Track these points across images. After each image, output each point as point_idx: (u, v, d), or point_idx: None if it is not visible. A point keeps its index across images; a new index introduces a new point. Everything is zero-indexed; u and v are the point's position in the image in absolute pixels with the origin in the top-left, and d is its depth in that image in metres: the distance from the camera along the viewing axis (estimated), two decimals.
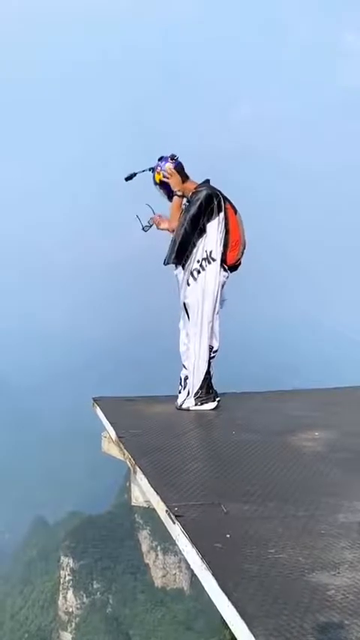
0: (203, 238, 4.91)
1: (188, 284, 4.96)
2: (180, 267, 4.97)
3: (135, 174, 5.15)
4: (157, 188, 5.16)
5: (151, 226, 5.27)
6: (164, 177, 5.07)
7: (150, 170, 5.14)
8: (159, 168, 5.09)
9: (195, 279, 4.94)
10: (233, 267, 5.13)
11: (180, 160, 5.13)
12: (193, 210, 4.90)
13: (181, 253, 4.92)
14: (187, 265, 4.94)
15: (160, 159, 5.12)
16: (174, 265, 5.00)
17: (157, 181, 5.09)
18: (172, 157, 5.12)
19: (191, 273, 4.94)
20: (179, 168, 5.09)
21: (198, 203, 4.89)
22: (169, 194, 5.11)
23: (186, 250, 4.91)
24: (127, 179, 5.17)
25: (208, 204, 4.89)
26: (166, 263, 5.05)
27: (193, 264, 4.93)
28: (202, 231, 4.90)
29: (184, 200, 5.10)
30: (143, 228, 5.29)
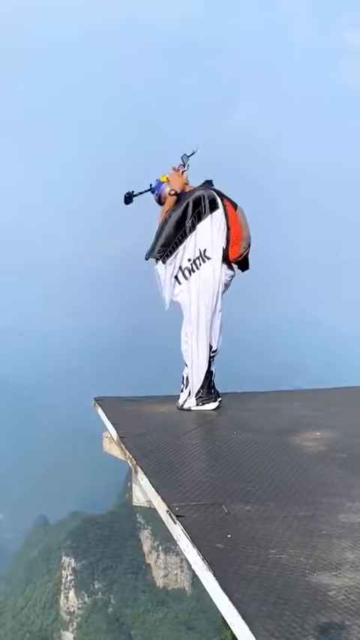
0: (193, 237, 4.90)
1: (179, 282, 4.97)
2: (160, 263, 4.95)
3: (134, 196, 5.15)
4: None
5: (132, 200, 5.15)
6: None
7: (151, 191, 5.15)
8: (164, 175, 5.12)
9: (186, 277, 4.95)
10: (242, 265, 5.12)
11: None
12: (179, 210, 4.92)
13: (163, 249, 4.92)
14: (169, 262, 4.92)
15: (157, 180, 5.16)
16: (154, 260, 4.98)
17: (166, 180, 5.09)
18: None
19: (182, 272, 4.94)
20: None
21: (184, 204, 4.91)
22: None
23: (169, 246, 4.91)
24: (126, 202, 5.16)
25: (196, 205, 4.90)
26: (147, 258, 5.04)
27: (183, 262, 4.93)
28: (191, 229, 4.90)
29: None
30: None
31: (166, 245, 4.92)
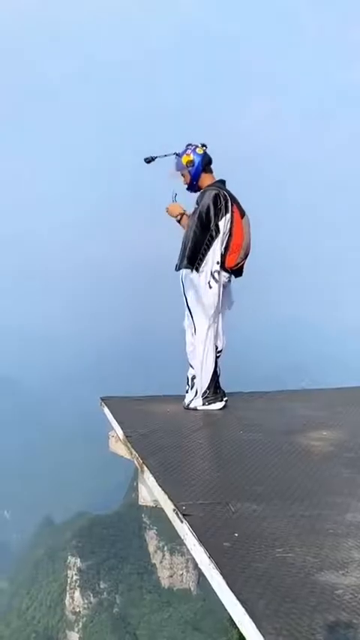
0: (218, 239, 4.84)
1: (210, 286, 4.86)
2: (195, 272, 4.87)
3: (155, 158, 5.05)
4: (178, 174, 5.09)
5: (153, 160, 5.06)
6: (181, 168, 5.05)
7: (175, 156, 5.05)
8: (189, 150, 5.01)
9: (217, 281, 4.87)
10: (236, 272, 5.09)
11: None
12: (202, 212, 4.86)
13: (193, 257, 4.86)
14: (201, 268, 4.86)
15: (189, 145, 5.05)
16: (188, 270, 4.91)
17: (185, 164, 5.00)
18: (203, 145, 5.06)
19: (212, 276, 4.86)
20: (207, 161, 5.04)
21: (206, 206, 4.84)
22: (191, 183, 5.05)
23: (198, 253, 4.85)
24: (147, 161, 5.05)
25: (216, 204, 4.84)
26: (178, 268, 5.00)
27: (212, 265, 4.85)
28: (217, 232, 4.83)
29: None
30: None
31: (196, 252, 4.84)
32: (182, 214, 5.11)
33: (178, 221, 5.16)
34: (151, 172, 5.15)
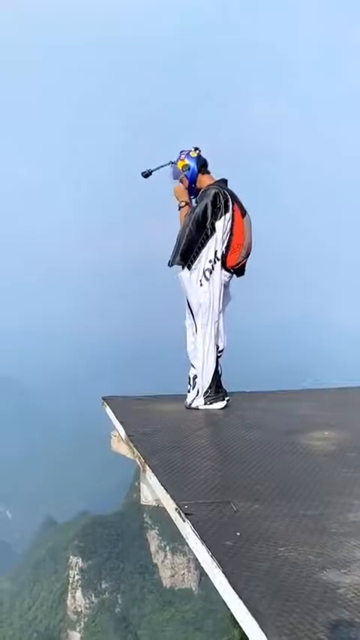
0: (213, 238, 4.87)
1: (201, 284, 4.91)
2: (186, 269, 4.93)
3: (152, 172, 5.14)
4: (177, 182, 5.14)
5: (150, 174, 5.16)
6: (177, 176, 5.09)
7: (170, 164, 5.12)
8: (182, 156, 5.08)
9: (207, 279, 4.89)
10: (238, 272, 5.10)
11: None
12: (199, 211, 4.87)
13: (186, 254, 4.89)
14: (194, 266, 4.90)
15: (182, 151, 5.12)
16: (180, 266, 4.96)
17: (181, 168, 5.06)
18: (196, 149, 5.11)
19: (204, 274, 4.89)
20: (202, 163, 5.09)
21: (204, 205, 4.86)
22: (190, 186, 5.09)
23: (192, 251, 4.87)
24: (144, 176, 5.14)
25: (215, 204, 4.86)
26: (170, 264, 5.02)
27: (205, 264, 4.88)
28: (212, 230, 4.86)
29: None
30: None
31: (189, 250, 4.87)
32: (187, 203, 5.11)
33: (181, 207, 5.13)
34: (158, 173, 5.18)
